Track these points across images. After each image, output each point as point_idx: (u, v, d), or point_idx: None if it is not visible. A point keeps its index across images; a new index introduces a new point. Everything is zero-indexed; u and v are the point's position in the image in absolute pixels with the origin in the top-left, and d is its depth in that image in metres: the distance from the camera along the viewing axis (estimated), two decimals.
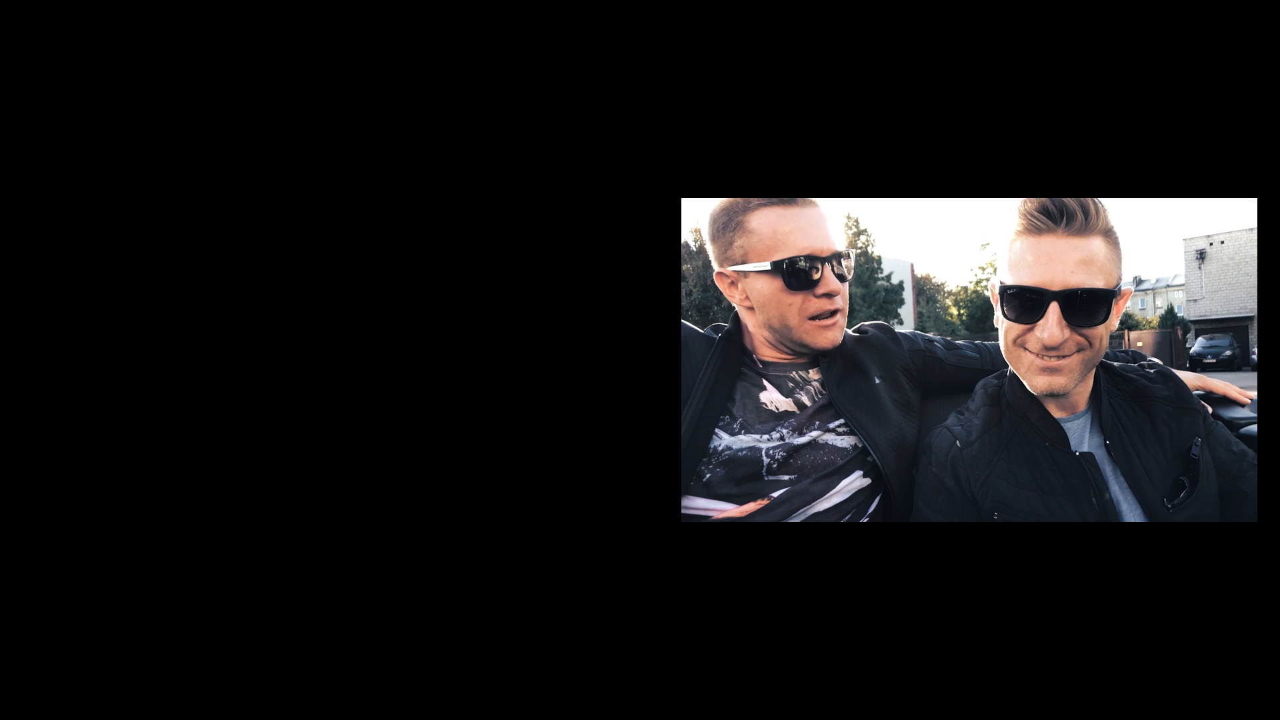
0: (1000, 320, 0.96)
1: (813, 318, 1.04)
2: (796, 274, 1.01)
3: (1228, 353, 17.35)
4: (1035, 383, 0.92)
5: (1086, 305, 0.86)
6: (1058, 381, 0.90)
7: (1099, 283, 0.87)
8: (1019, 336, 0.91)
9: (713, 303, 15.81)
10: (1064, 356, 0.89)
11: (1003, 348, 0.96)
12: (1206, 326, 20.63)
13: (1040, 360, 0.90)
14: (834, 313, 1.04)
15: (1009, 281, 0.90)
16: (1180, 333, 20.61)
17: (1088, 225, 0.86)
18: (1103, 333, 0.89)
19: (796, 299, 1.03)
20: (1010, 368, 1.02)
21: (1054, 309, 0.86)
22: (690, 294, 16.10)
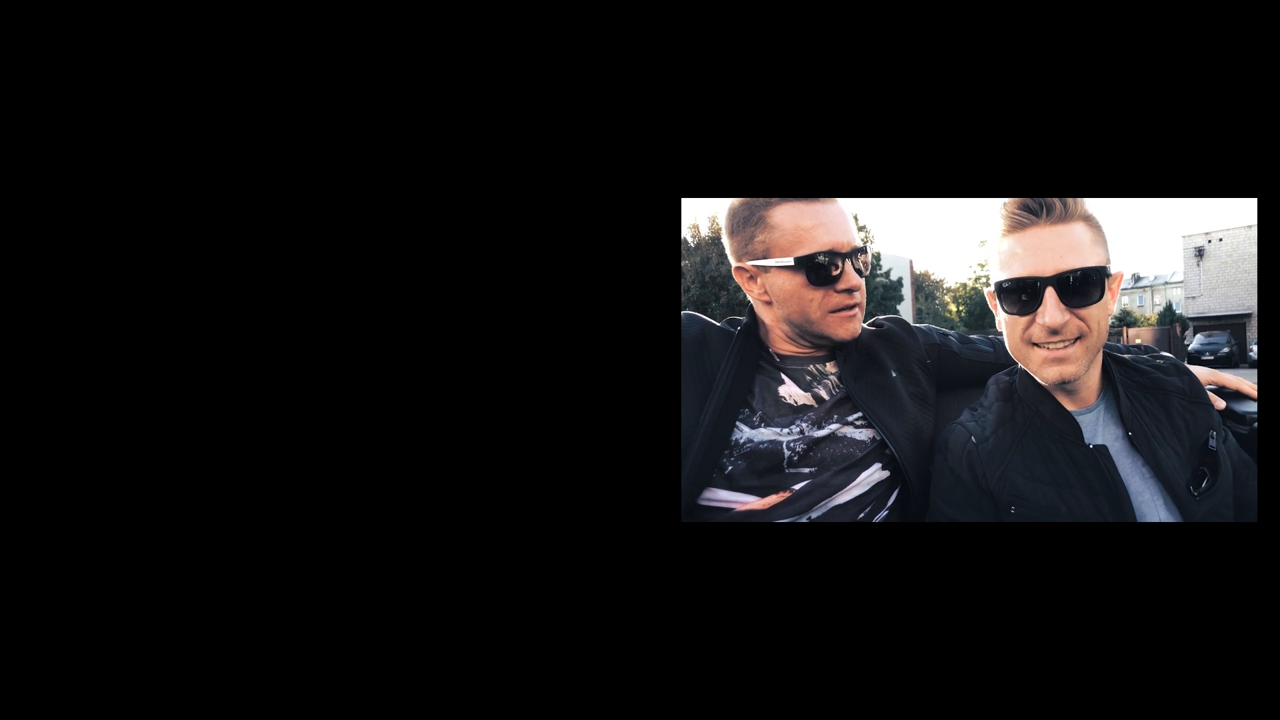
0: (1003, 322, 0.98)
1: (833, 311, 1.05)
2: (819, 270, 1.02)
3: (1225, 350, 17.40)
4: (1046, 374, 0.94)
5: (1080, 286, 0.90)
6: (1067, 370, 0.92)
7: (1090, 262, 0.91)
8: (1024, 330, 0.94)
9: (710, 300, 15.79)
10: (1068, 344, 0.92)
11: (1010, 348, 0.98)
12: (1205, 324, 20.66)
13: (1047, 351, 0.92)
14: (854, 306, 1.06)
15: (1003, 277, 0.94)
16: (1179, 330, 20.64)
17: (1067, 213, 0.91)
18: (1100, 316, 0.92)
19: (818, 295, 1.03)
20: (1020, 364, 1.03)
21: (1050, 293, 0.90)
22: (688, 290, 16.08)
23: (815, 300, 1.04)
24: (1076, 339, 0.91)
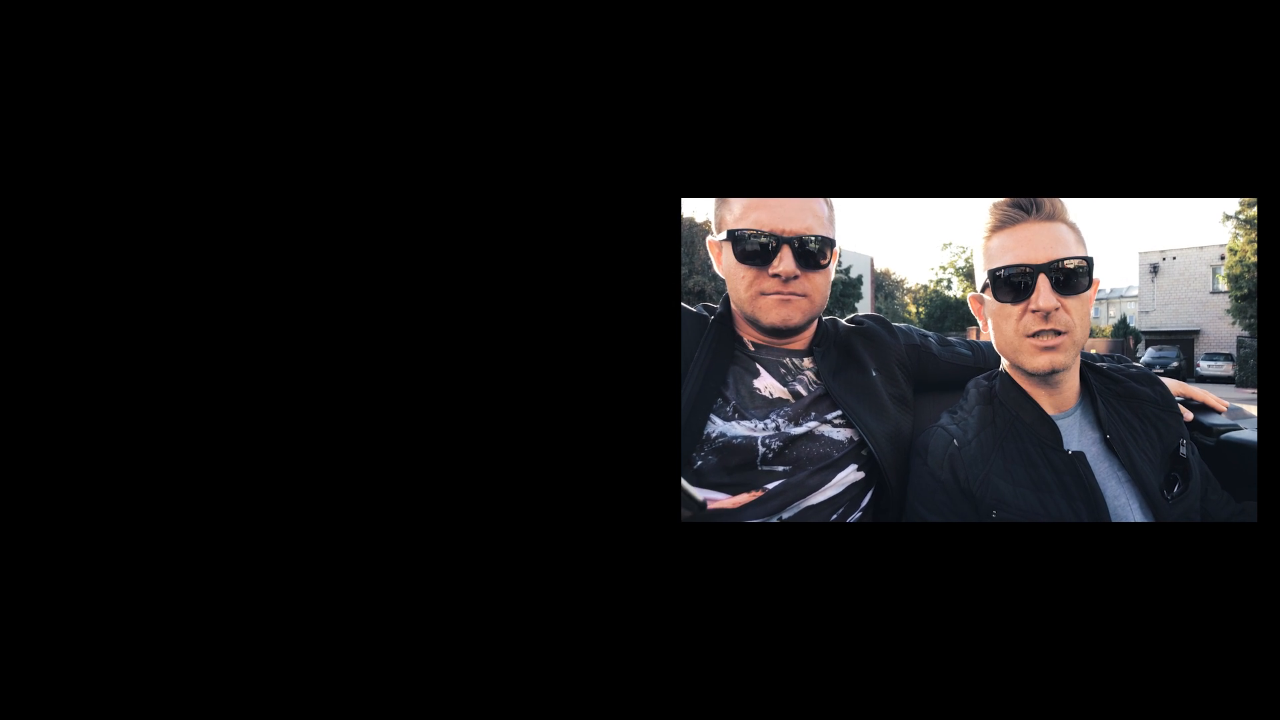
0: (991, 320, 1.01)
1: (763, 294, 1.02)
2: (743, 244, 1.01)
3: (1174, 364, 18.09)
4: (1038, 362, 0.97)
5: (1069, 276, 0.96)
6: (1057, 358, 0.96)
7: (1077, 254, 0.97)
8: (1018, 321, 0.97)
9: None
10: (1058, 333, 0.96)
11: (1001, 343, 1.01)
12: (1156, 338, 21.40)
13: (1039, 340, 0.96)
14: (788, 294, 1.02)
15: (995, 266, 0.98)
16: (1132, 342, 21.33)
17: (1054, 213, 0.98)
18: (1083, 311, 0.97)
19: (749, 274, 1.02)
20: (1003, 367, 1.05)
21: (1042, 279, 0.95)
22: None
23: (746, 279, 1.02)
24: (1064, 331, 0.96)
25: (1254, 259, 14.18)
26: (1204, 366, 18.02)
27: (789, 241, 1.01)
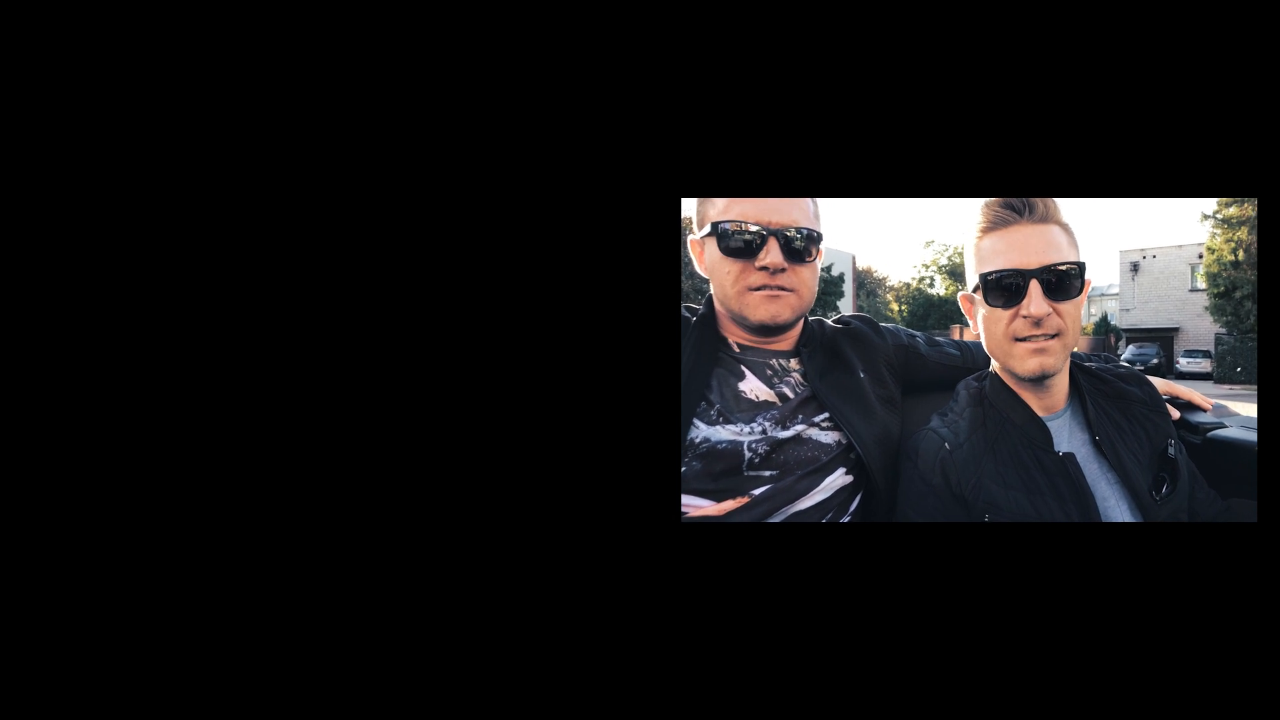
0: (981, 322, 1.00)
1: (752, 289, 1.00)
2: (729, 237, 0.99)
3: (1154, 361, 18.37)
4: (1028, 365, 0.96)
5: (1061, 280, 0.94)
6: (1048, 361, 0.95)
7: (1070, 259, 0.95)
8: (1008, 325, 0.96)
9: None
10: (1050, 337, 0.95)
11: (991, 345, 1.00)
12: (1136, 335, 21.69)
13: (1030, 344, 0.96)
14: (776, 288, 1.00)
15: (988, 270, 0.96)
16: (1113, 340, 21.61)
17: (1047, 214, 0.96)
18: (1074, 314, 0.96)
19: (735, 268, 1.00)
20: (992, 368, 1.05)
21: (1034, 285, 0.94)
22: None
23: (732, 274, 1.00)
24: (1055, 335, 0.95)
25: (1231, 257, 14.42)
26: (1183, 363, 18.31)
27: (776, 233, 0.99)
